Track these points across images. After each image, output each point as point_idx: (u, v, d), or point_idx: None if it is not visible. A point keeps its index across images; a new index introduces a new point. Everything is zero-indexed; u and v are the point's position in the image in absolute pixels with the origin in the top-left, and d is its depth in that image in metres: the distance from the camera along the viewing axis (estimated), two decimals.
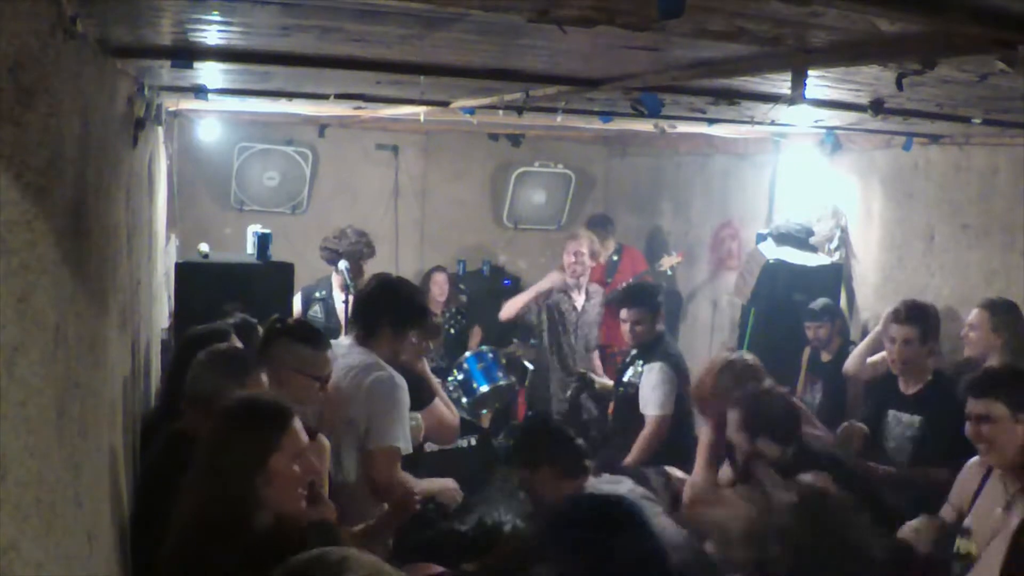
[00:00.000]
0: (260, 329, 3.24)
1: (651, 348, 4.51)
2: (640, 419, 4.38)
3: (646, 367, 4.44)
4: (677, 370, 4.43)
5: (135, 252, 3.14)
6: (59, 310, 1.41)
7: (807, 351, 4.89)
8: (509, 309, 5.78)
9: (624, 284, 5.92)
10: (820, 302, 4.82)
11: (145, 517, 2.47)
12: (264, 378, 2.70)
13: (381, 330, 3.33)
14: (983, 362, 3.77)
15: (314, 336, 2.98)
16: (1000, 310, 3.86)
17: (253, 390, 2.56)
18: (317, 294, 5.48)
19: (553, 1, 1.69)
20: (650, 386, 4.38)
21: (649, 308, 4.56)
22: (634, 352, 4.63)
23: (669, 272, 6.53)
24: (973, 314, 3.94)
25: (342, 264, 5.18)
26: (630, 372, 4.59)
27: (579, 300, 5.66)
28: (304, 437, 2.15)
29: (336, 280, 5.39)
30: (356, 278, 5.08)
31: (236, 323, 3.39)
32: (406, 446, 3.16)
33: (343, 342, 3.46)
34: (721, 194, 6.71)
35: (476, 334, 6.78)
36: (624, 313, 4.58)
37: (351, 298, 4.46)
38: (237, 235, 6.02)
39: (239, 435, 2.04)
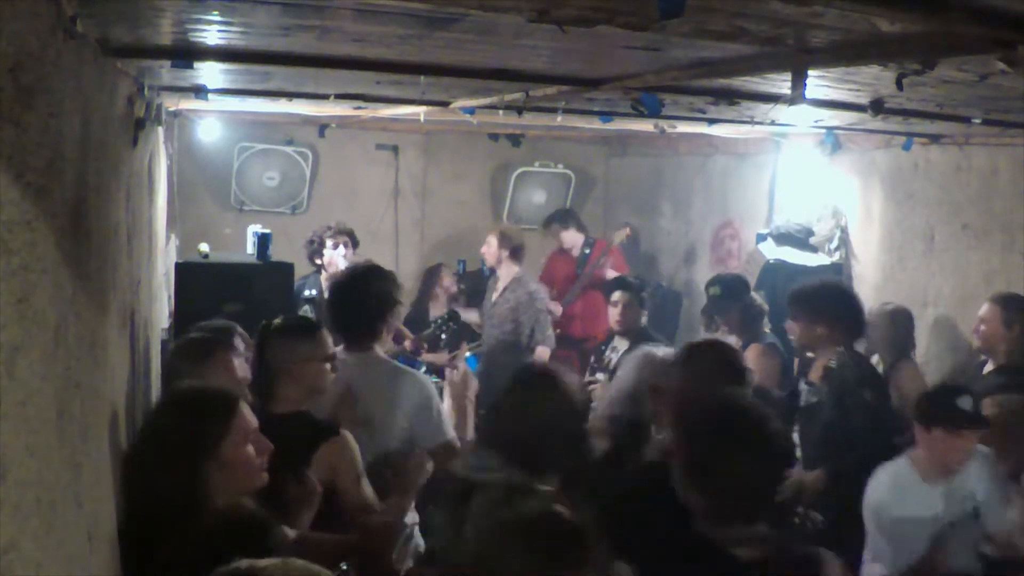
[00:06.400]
0: (240, 330, 3.10)
1: (648, 337, 4.68)
2: None
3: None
4: None
5: (135, 252, 3.13)
6: (59, 310, 1.41)
7: None
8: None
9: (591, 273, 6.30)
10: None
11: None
12: (235, 362, 2.71)
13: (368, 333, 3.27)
14: (990, 355, 3.99)
15: (304, 324, 3.03)
16: (1012, 305, 3.93)
17: (218, 374, 2.58)
18: (307, 293, 5.33)
19: (553, 1, 1.69)
20: None
21: (636, 292, 4.91)
22: (628, 345, 4.72)
23: (621, 244, 6.66)
24: (984, 308, 4.00)
25: (332, 253, 5.19)
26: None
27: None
28: (253, 418, 2.13)
29: (324, 278, 5.32)
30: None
31: (219, 328, 3.15)
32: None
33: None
34: (721, 194, 6.71)
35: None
36: (617, 296, 4.88)
37: None
38: (237, 235, 6.02)
39: (186, 427, 2.03)
